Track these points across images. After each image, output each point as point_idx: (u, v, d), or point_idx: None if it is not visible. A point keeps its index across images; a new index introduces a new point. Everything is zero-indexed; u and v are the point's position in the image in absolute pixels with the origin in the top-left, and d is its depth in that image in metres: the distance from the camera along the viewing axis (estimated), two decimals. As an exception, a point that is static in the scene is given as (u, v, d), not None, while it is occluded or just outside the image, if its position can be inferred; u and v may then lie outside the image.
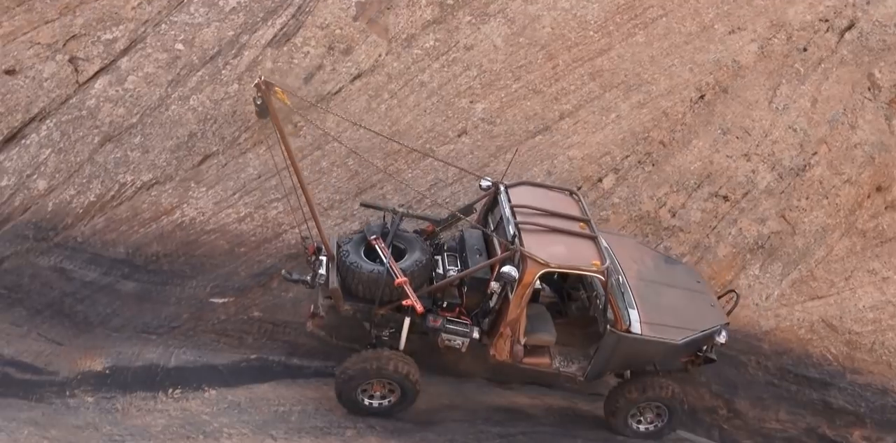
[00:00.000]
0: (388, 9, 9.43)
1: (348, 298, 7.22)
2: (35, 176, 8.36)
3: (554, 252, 6.94)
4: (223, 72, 9.02)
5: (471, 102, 9.33)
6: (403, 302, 6.97)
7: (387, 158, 8.96)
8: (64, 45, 8.80)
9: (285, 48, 9.18)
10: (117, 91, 8.82)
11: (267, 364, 8.03)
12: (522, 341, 7.22)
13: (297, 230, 8.17)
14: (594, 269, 6.92)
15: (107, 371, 7.49)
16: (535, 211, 7.42)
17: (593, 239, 7.31)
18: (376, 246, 7.29)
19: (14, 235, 8.07)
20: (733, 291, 8.49)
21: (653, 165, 9.57)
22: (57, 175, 8.40)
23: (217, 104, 8.96)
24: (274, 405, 7.47)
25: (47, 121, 8.58)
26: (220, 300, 7.42)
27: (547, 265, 6.80)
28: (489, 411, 8.24)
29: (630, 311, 7.27)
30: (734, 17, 10.07)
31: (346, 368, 7.26)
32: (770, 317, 9.49)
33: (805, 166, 9.87)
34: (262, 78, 6.42)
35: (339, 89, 9.21)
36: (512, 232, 7.11)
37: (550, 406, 8.65)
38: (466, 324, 7.24)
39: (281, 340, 7.20)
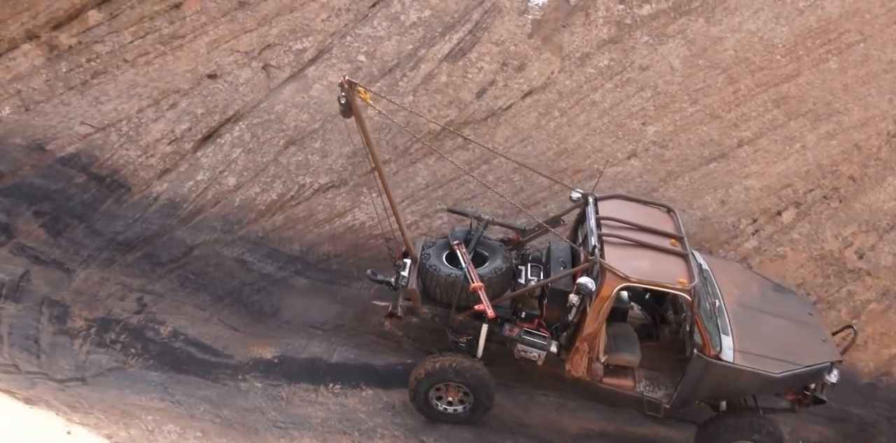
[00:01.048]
0: (564, 27, 9.45)
1: (426, 301, 7.21)
2: (226, 173, 9.02)
3: (637, 267, 6.59)
4: (400, 83, 9.36)
5: (643, 124, 9.17)
6: (475, 307, 6.85)
7: (553, 175, 8.95)
8: (259, 53, 9.43)
9: (460, 63, 9.40)
10: (303, 98, 9.36)
11: (398, 373, 8.07)
12: (602, 359, 6.94)
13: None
14: (679, 286, 6.50)
15: (275, 360, 7.92)
16: (623, 224, 7.10)
17: (684, 257, 6.87)
18: (457, 251, 7.24)
19: (205, 226, 8.74)
20: (851, 326, 7.68)
21: (840, 201, 9.03)
22: (245, 173, 9.02)
23: (392, 114, 9.28)
24: (390, 405, 7.64)
25: (240, 122, 9.23)
26: (382, 303, 7.62)
27: (627, 279, 6.48)
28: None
29: (723, 337, 6.81)
30: (941, 45, 9.38)
31: (419, 369, 7.25)
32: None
33: None
34: (346, 78, 6.42)
35: (510, 105, 9.33)
36: (594, 244, 6.84)
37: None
38: (544, 336, 7.03)
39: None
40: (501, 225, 8.02)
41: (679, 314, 7.47)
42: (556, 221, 7.84)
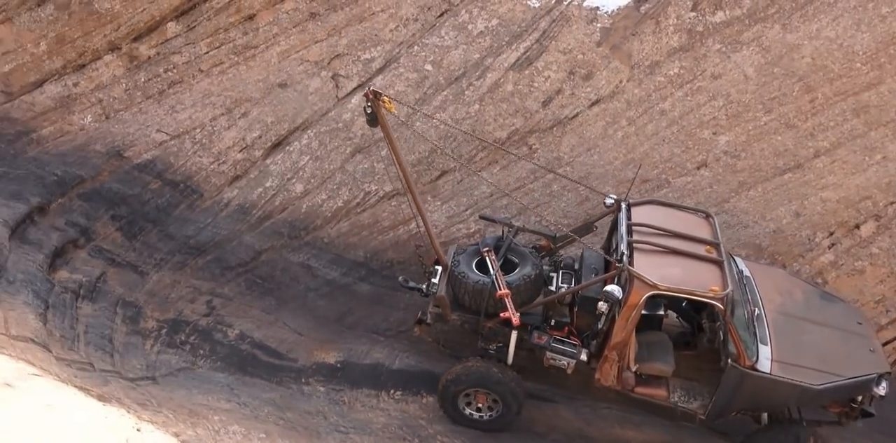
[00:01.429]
0: (634, 35, 9.32)
1: (456, 308, 7.16)
2: (294, 180, 9.19)
3: (667, 274, 6.36)
4: (466, 92, 9.38)
5: (714, 134, 8.95)
6: (501, 314, 6.75)
7: (619, 185, 8.82)
8: (329, 63, 9.60)
9: (527, 71, 9.37)
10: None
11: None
12: (633, 367, 6.74)
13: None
14: (710, 295, 6.23)
15: (338, 365, 7.98)
16: (655, 230, 6.86)
17: (719, 264, 6.57)
18: (486, 258, 7.17)
19: (272, 231, 8.92)
20: None
21: (923, 214, 8.62)
22: (312, 180, 9.18)
23: (458, 123, 9.32)
24: None
25: (308, 131, 9.41)
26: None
27: (655, 287, 6.25)
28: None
29: (761, 347, 6.51)
30: None
31: (449, 374, 7.21)
32: None
33: None
34: (370, 88, 6.44)
35: (577, 114, 9.25)
36: (623, 251, 6.66)
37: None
38: (575, 344, 6.90)
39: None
40: (532, 232, 7.92)
41: (715, 323, 7.16)
42: (587, 228, 7.72)
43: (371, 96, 6.40)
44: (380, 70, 9.55)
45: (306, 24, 9.66)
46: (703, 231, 7.03)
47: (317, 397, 7.60)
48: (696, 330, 7.64)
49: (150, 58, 9.59)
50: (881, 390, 6.49)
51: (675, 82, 9.14)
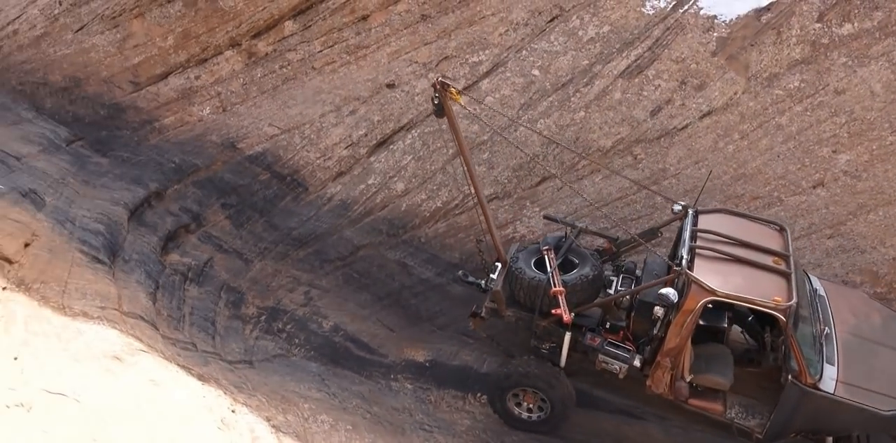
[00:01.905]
0: (752, 45, 8.97)
1: (512, 305, 7.12)
2: (396, 178, 9.33)
3: (727, 281, 6.13)
4: (572, 99, 9.28)
5: (833, 152, 8.51)
6: (553, 311, 6.65)
7: (727, 201, 8.53)
8: (436, 64, 9.69)
9: (636, 80, 9.18)
10: (475, 109, 9.49)
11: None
12: (688, 378, 6.52)
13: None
14: (772, 305, 5.96)
15: (427, 364, 8.06)
16: (721, 238, 6.62)
17: (786, 275, 6.30)
18: (545, 256, 7.06)
19: (371, 228, 9.09)
20: None
21: None
22: (413, 180, 9.29)
23: (562, 129, 9.23)
24: (570, 430, 7.44)
25: (413, 131, 9.53)
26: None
27: (713, 293, 6.05)
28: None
29: (827, 366, 6.19)
30: None
31: (500, 371, 7.17)
32: None
33: None
34: (439, 79, 6.42)
35: (686, 125, 8.99)
36: (683, 255, 6.44)
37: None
38: (629, 350, 6.76)
39: (589, 370, 7.12)
40: (594, 233, 7.84)
41: (779, 338, 6.87)
42: (652, 233, 7.54)
43: (438, 87, 6.45)
44: (486, 73, 9.57)
45: (417, 26, 9.77)
46: (773, 243, 6.77)
47: (404, 394, 7.69)
48: (762, 347, 7.35)
49: (266, 54, 9.95)
50: None
51: (795, 96, 8.74)
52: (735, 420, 6.67)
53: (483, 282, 7.34)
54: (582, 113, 9.22)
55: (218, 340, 7.60)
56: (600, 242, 7.88)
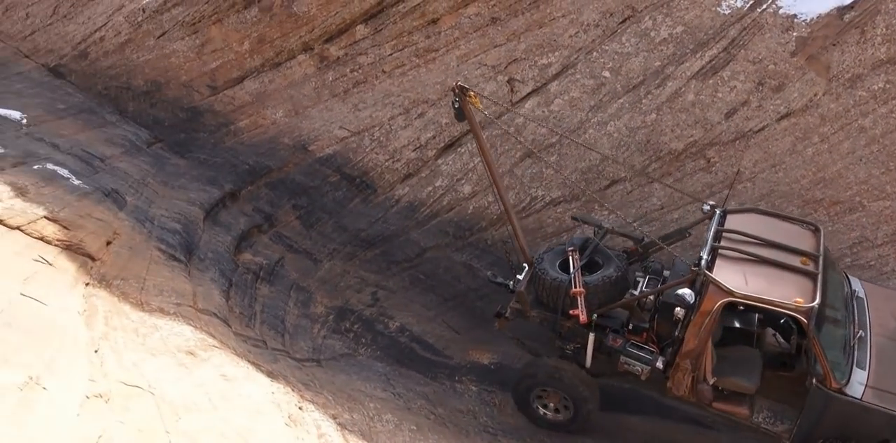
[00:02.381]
0: (834, 45, 8.62)
1: (537, 306, 7.13)
2: (463, 181, 9.36)
3: (748, 282, 5.98)
4: (643, 101, 9.11)
5: (920, 155, 8.13)
6: (571, 312, 6.63)
7: (805, 206, 8.23)
8: (505, 67, 9.66)
9: (710, 81, 8.94)
10: (543, 112, 9.44)
11: (640, 397, 7.86)
12: (710, 381, 6.37)
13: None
14: (792, 306, 5.76)
15: (491, 366, 8.07)
16: (747, 238, 6.44)
17: (812, 276, 6.09)
18: (570, 257, 7.05)
19: (438, 230, 9.15)
20: None
21: None
22: (481, 182, 9.29)
23: (632, 132, 9.08)
24: (639, 439, 7.31)
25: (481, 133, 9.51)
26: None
27: (731, 294, 5.91)
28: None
29: (857, 370, 5.95)
30: None
31: (523, 370, 7.21)
32: None
33: None
34: (458, 83, 6.48)
35: (763, 128, 8.71)
36: (704, 255, 6.29)
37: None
38: (651, 351, 6.70)
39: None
40: (620, 234, 7.78)
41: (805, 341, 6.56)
42: (680, 234, 7.44)
43: (458, 91, 6.54)
44: (556, 75, 9.49)
45: (487, 29, 9.77)
46: (804, 243, 6.54)
47: (468, 396, 7.70)
48: (796, 350, 7.06)
49: (338, 58, 10.12)
50: None
51: (879, 98, 8.36)
52: (762, 425, 6.51)
53: (510, 283, 7.40)
54: (653, 115, 9.04)
55: (287, 338, 7.77)
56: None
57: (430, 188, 9.40)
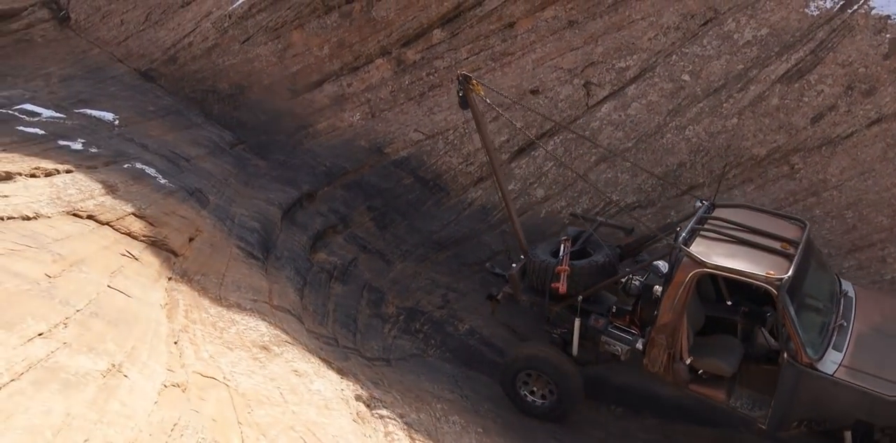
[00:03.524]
0: (932, 47, 8.21)
1: (528, 291, 7.33)
2: (536, 185, 9.31)
3: (722, 257, 6.12)
4: (724, 105, 8.87)
5: None
6: (552, 284, 6.87)
7: (895, 216, 7.83)
8: (582, 70, 9.58)
9: (796, 85, 8.63)
10: (620, 116, 9.31)
11: (705, 408, 7.57)
12: (687, 360, 6.41)
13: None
14: (763, 277, 5.84)
15: (559, 372, 7.95)
16: (731, 225, 6.56)
17: (789, 257, 6.14)
18: (562, 245, 7.32)
19: (510, 234, 9.08)
20: None
21: None
22: (554, 186, 9.23)
23: (712, 137, 8.85)
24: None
25: (555, 137, 9.46)
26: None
27: (703, 265, 6.06)
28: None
29: (832, 352, 5.97)
30: None
31: (510, 354, 7.37)
32: None
33: None
34: (461, 71, 6.67)
35: (851, 133, 8.34)
36: (682, 234, 6.51)
37: None
38: (633, 333, 6.86)
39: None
40: (611, 226, 8.05)
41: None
42: (672, 228, 7.49)
43: (461, 79, 6.74)
44: (634, 79, 9.34)
45: (563, 32, 9.71)
46: (788, 233, 6.57)
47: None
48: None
49: (415, 62, 10.24)
50: None
51: (982, 102, 7.91)
52: (739, 409, 6.48)
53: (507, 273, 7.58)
54: (735, 120, 8.79)
55: (358, 336, 7.89)
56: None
57: (502, 192, 9.38)
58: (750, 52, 8.89)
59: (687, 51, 9.16)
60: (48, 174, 6.72)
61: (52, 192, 6.36)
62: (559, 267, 6.99)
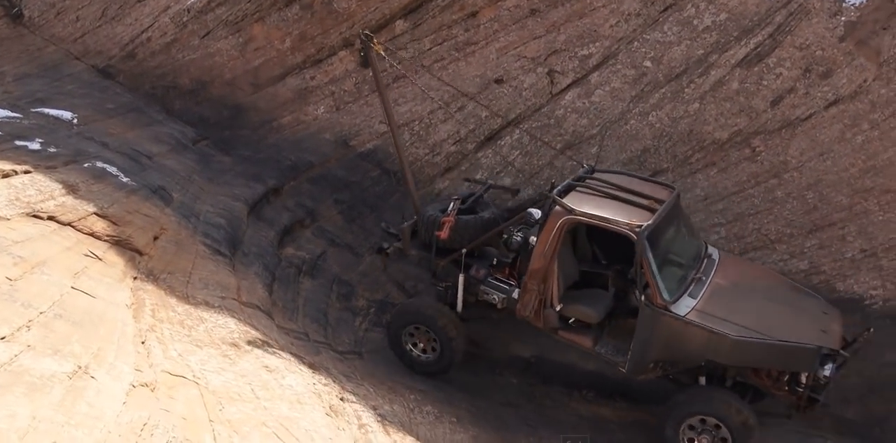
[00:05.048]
0: (885, 29, 8.36)
1: (416, 246, 7.65)
2: (503, 174, 9.35)
3: (591, 207, 6.61)
4: (686, 90, 8.97)
5: (977, 142, 7.83)
6: (436, 232, 7.24)
7: (854, 195, 8.00)
8: (545, 59, 9.62)
9: (755, 68, 8.76)
10: (584, 103, 9.37)
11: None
12: (557, 307, 6.80)
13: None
14: (625, 223, 6.35)
15: (532, 359, 8.05)
16: (605, 185, 7.05)
17: (652, 210, 6.61)
18: (451, 203, 7.68)
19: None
20: (870, 328, 6.53)
21: None
22: (520, 175, 9.27)
23: (675, 122, 8.95)
24: None
25: (520, 126, 9.50)
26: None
27: (571, 212, 6.53)
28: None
29: (686, 298, 6.42)
30: None
31: (396, 309, 7.69)
32: None
33: None
34: (362, 31, 7.04)
35: (810, 115, 8.50)
36: (558, 187, 7.00)
37: None
38: (511, 284, 7.19)
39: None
40: (500, 188, 8.53)
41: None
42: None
43: (363, 37, 7.01)
44: (597, 66, 9.40)
45: (526, 21, 9.73)
46: (657, 194, 6.98)
47: (509, 389, 7.70)
48: None
49: (377, 53, 10.17)
50: (827, 371, 6.07)
51: (934, 82, 8.09)
52: (603, 355, 6.87)
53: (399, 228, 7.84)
54: (696, 104, 8.90)
55: (329, 330, 7.87)
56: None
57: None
58: (710, 37, 8.99)
59: (648, 37, 9.24)
60: (6, 175, 6.58)
61: (10, 193, 6.23)
62: (444, 218, 7.32)
